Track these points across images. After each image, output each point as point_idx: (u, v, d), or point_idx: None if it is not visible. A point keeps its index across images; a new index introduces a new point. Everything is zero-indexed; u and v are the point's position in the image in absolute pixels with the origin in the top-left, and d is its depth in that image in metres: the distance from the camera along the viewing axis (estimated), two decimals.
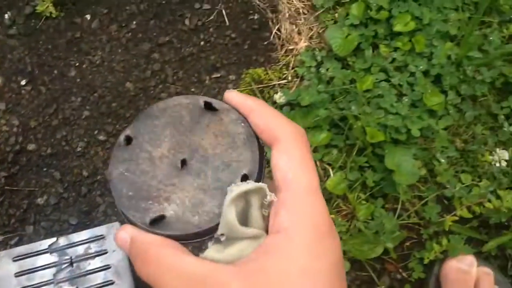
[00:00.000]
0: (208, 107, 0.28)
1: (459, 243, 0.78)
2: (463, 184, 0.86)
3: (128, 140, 0.28)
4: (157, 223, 0.26)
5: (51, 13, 0.93)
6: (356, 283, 0.76)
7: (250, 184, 0.25)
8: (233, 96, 0.27)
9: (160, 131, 0.28)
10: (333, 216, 0.81)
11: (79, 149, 0.83)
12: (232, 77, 0.96)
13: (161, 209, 0.26)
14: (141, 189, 0.26)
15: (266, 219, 0.25)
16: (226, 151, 0.27)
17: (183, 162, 0.27)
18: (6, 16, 0.94)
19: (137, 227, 0.26)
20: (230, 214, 0.24)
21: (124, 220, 0.27)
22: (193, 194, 0.26)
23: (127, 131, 0.28)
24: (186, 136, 0.27)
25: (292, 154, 0.24)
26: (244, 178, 0.26)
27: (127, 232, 0.26)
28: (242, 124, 0.27)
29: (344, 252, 0.76)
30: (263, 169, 0.27)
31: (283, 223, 0.23)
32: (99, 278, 0.70)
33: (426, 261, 0.78)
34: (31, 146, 0.83)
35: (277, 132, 0.25)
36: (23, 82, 0.88)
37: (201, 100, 0.28)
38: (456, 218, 0.81)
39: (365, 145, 0.86)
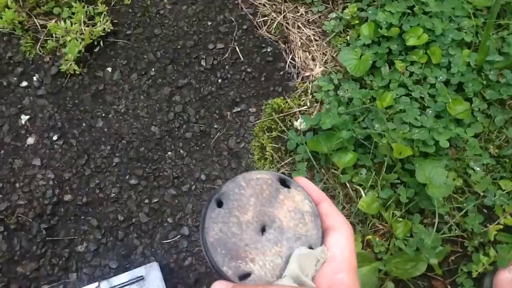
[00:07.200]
0: (283, 183, 0.37)
1: (508, 253, 0.79)
2: (503, 190, 0.87)
3: (219, 203, 0.36)
4: (243, 279, 0.34)
5: (74, 70, 1.04)
6: None
7: (318, 251, 0.35)
8: (307, 183, 0.38)
9: (246, 199, 0.36)
10: (370, 236, 0.84)
11: (112, 195, 0.91)
12: (252, 109, 1.03)
13: (248, 268, 0.34)
14: (232, 249, 0.34)
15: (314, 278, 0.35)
16: (297, 226, 0.36)
17: (264, 230, 0.36)
18: (35, 78, 1.06)
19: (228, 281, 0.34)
20: (296, 266, 0.33)
21: (212, 271, 0.35)
22: (272, 259, 0.35)
23: (218, 195, 0.36)
24: (266, 207, 0.36)
25: (350, 242, 0.36)
26: (310, 249, 0.36)
27: (227, 285, 0.34)
28: (310, 204, 0.36)
29: (387, 273, 0.79)
30: (322, 243, 0.37)
31: None
32: None
33: (475, 275, 0.78)
34: (67, 197, 0.91)
35: (341, 222, 0.37)
36: (54, 138, 0.98)
37: (278, 177, 0.37)
38: (501, 226, 0.82)
39: (394, 162, 0.90)
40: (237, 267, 0.34)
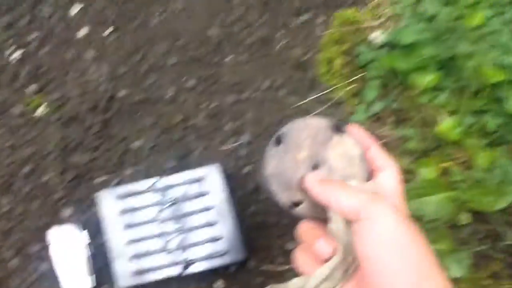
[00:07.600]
0: (338, 129, 0.41)
1: None
2: None
3: (278, 141, 0.41)
4: (294, 207, 0.40)
5: None
6: (479, 237, 0.72)
7: (367, 184, 0.39)
8: (358, 130, 0.42)
9: (302, 140, 0.40)
10: (447, 164, 0.77)
11: (169, 95, 0.86)
12: (319, 20, 0.93)
13: (298, 198, 0.39)
14: (285, 181, 0.40)
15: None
16: (345, 168, 0.40)
17: (315, 167, 0.40)
18: None
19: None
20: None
21: (272, 198, 0.40)
22: None
23: (278, 135, 0.41)
24: (319, 148, 0.40)
25: (399, 179, 0.40)
26: None
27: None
28: (359, 150, 0.40)
29: (464, 202, 0.72)
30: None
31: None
32: (202, 218, 0.72)
33: None
34: (122, 93, 0.86)
35: (389, 163, 0.40)
36: (107, 32, 0.91)
37: (334, 123, 0.41)
38: None
39: (480, 87, 0.81)
40: (289, 196, 0.39)
